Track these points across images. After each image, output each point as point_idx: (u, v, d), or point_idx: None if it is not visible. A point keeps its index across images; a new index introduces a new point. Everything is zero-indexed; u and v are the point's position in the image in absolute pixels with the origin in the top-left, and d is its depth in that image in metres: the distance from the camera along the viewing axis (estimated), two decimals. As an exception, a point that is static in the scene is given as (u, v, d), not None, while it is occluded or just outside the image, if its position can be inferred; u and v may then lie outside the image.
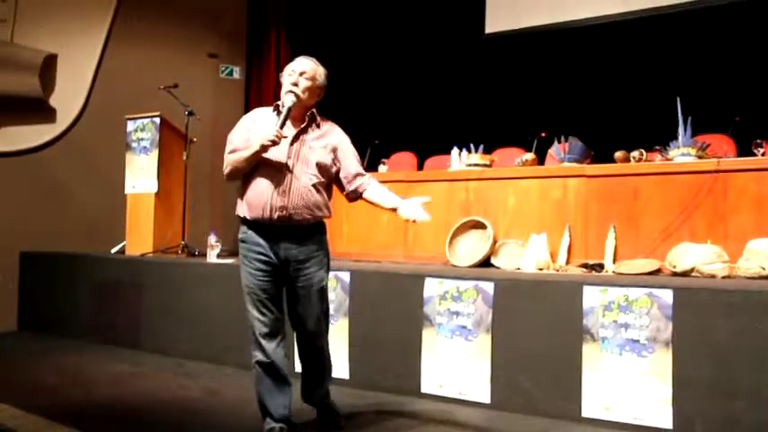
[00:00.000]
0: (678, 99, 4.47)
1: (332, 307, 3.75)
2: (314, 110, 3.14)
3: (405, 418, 3.50)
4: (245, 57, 8.12)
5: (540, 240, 4.51)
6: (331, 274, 3.50)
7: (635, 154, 4.60)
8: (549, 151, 5.22)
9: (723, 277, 3.73)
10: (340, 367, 4.03)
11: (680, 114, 4.45)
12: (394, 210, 3.10)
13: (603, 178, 4.55)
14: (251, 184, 3.05)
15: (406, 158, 6.42)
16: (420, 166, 6.22)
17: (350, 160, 3.18)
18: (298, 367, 3.77)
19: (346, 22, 7.66)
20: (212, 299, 4.79)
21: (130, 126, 5.89)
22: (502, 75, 6.81)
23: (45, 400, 3.78)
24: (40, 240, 6.16)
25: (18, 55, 6.61)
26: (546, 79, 6.51)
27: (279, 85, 3.12)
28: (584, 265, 4.30)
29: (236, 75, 7.87)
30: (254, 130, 3.07)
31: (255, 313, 3.07)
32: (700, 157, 4.34)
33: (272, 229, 3.03)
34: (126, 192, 5.87)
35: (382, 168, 5.90)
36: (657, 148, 4.60)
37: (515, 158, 5.23)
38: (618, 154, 4.69)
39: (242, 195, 3.09)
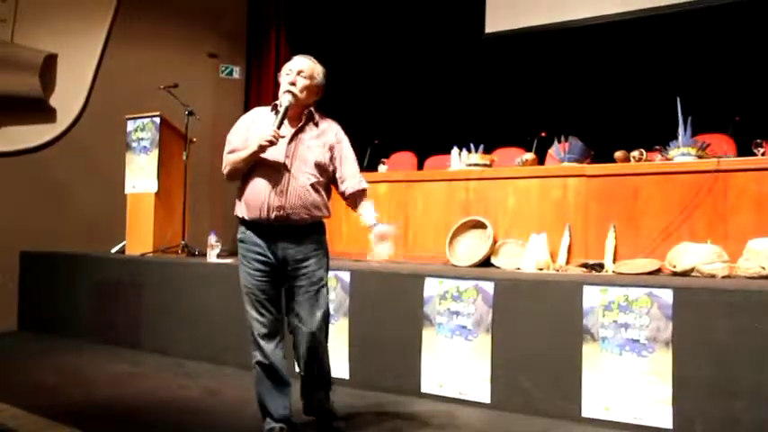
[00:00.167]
0: (678, 99, 4.47)
1: (332, 307, 3.74)
2: (311, 108, 3.13)
3: (405, 419, 3.50)
4: (245, 57, 8.12)
5: (540, 240, 4.51)
6: (331, 273, 3.49)
7: (635, 154, 4.61)
8: (549, 151, 5.22)
9: (723, 277, 3.73)
10: (340, 367, 4.03)
11: (680, 114, 4.45)
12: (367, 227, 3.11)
13: (603, 178, 4.55)
14: (249, 184, 3.04)
15: (406, 158, 6.43)
16: (420, 166, 6.22)
17: (345, 161, 3.15)
18: (298, 367, 3.78)
19: (346, 22, 7.66)
20: (212, 299, 4.79)
21: (130, 126, 5.89)
22: (502, 75, 6.82)
23: (45, 400, 3.78)
24: (40, 240, 6.16)
25: (18, 55, 6.62)
26: (546, 79, 6.51)
27: (279, 85, 3.10)
28: (584, 265, 4.30)
29: (236, 75, 7.88)
30: (252, 130, 3.06)
31: (254, 314, 3.06)
32: (700, 157, 4.34)
33: (270, 229, 3.02)
34: (126, 192, 5.87)
35: (382, 168, 5.90)
36: (657, 147, 4.60)
37: (515, 158, 5.23)
38: (618, 154, 4.69)
39: (240, 195, 3.08)
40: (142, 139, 5.80)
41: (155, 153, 5.71)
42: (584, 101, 6.17)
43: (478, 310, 3.74)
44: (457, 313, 3.80)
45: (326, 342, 3.20)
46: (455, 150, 5.44)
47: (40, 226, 6.29)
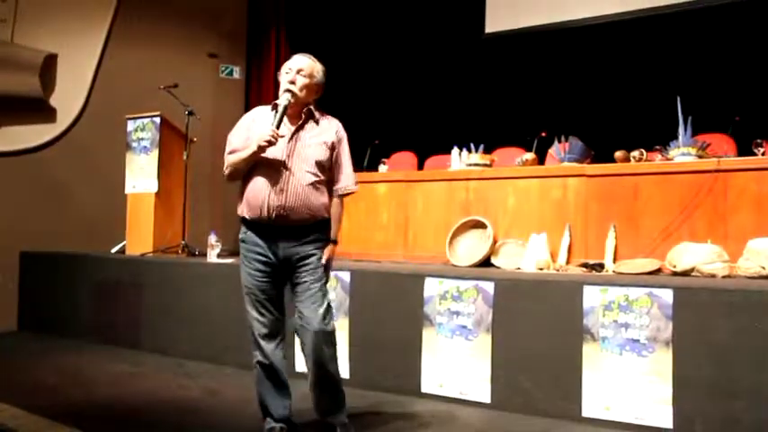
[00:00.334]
0: (678, 99, 4.47)
1: (332, 307, 3.72)
2: (311, 106, 3.11)
3: (405, 419, 3.50)
4: (245, 57, 8.13)
5: (540, 240, 4.51)
6: (331, 273, 3.48)
7: (635, 154, 4.61)
8: (550, 151, 5.22)
9: (723, 277, 3.73)
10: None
11: (680, 114, 4.45)
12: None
13: (603, 178, 4.55)
14: (249, 183, 3.03)
15: (406, 158, 6.42)
16: (420, 166, 6.22)
17: (342, 160, 3.13)
18: (298, 367, 3.79)
19: (346, 22, 7.66)
20: (212, 299, 4.79)
21: (130, 126, 5.89)
22: (502, 75, 6.82)
23: (45, 400, 3.78)
24: (40, 240, 6.16)
25: (18, 55, 6.62)
26: (546, 79, 6.51)
27: (279, 85, 3.09)
28: (585, 265, 4.30)
29: (236, 75, 7.88)
30: (253, 130, 3.05)
31: (254, 314, 3.06)
32: (700, 157, 4.34)
33: (270, 228, 3.01)
34: (126, 192, 5.87)
35: (382, 168, 5.89)
36: (657, 147, 4.61)
37: (515, 158, 5.23)
38: (618, 154, 4.69)
39: (242, 195, 3.08)
40: (142, 139, 5.80)
41: (155, 153, 5.71)
42: (584, 101, 6.17)
43: (479, 310, 3.74)
44: (457, 313, 3.80)
45: (334, 346, 3.06)
46: (455, 150, 5.44)
47: (40, 226, 6.29)
